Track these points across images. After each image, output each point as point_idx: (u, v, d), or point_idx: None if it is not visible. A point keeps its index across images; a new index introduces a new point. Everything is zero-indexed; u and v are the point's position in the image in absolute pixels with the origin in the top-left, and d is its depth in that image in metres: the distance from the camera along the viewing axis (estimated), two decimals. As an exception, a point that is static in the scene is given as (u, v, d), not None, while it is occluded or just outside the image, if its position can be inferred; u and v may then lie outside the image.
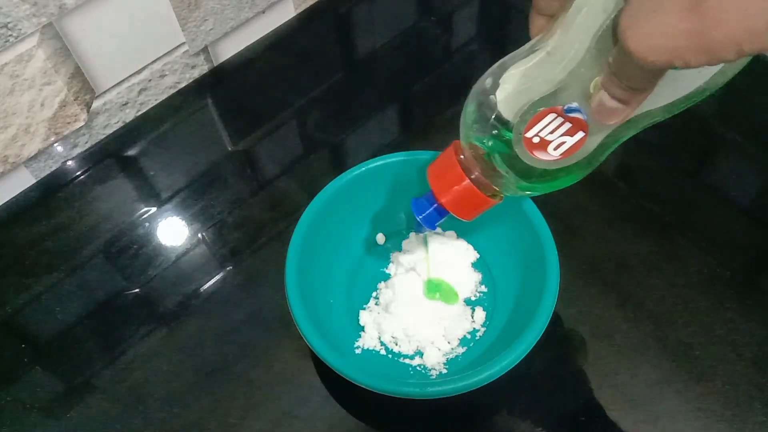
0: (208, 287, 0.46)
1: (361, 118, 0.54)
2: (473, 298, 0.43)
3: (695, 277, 0.44)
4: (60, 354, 0.44)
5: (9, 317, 0.46)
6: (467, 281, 0.43)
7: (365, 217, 0.45)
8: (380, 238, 0.46)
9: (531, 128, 0.29)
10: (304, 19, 0.61)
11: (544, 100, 0.28)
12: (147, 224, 0.49)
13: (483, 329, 0.42)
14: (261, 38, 0.59)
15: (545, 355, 0.41)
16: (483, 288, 0.44)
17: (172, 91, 0.56)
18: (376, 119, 0.54)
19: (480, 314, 0.42)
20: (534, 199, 0.40)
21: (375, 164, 0.43)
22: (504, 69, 0.30)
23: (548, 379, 0.41)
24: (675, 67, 0.23)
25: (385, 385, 0.36)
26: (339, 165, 0.52)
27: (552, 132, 0.29)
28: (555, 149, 0.29)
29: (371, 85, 0.57)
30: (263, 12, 0.58)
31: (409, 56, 0.58)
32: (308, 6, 0.61)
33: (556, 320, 0.37)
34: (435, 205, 0.36)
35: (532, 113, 0.28)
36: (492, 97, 0.30)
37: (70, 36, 0.46)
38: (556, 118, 0.28)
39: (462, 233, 0.45)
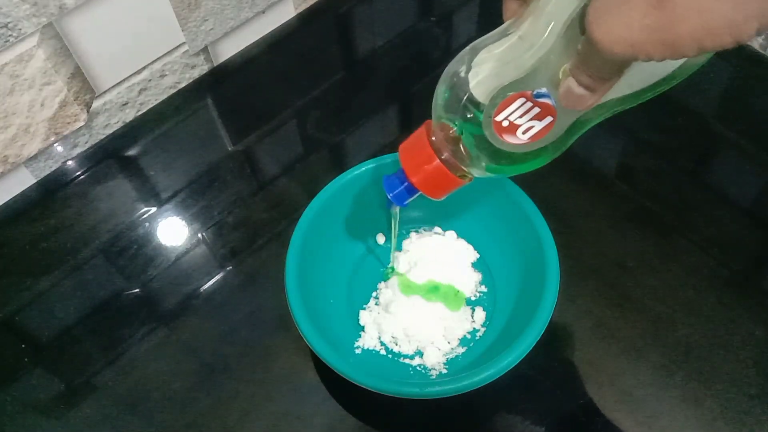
0: (208, 287, 0.46)
1: (361, 118, 0.54)
2: (473, 298, 0.43)
3: (695, 277, 0.44)
4: (60, 354, 0.44)
5: (9, 317, 0.46)
6: (467, 281, 0.43)
7: (365, 217, 0.45)
8: (380, 238, 0.46)
9: (500, 112, 0.29)
10: (304, 19, 0.61)
11: (514, 85, 0.28)
12: (147, 224, 0.49)
13: (483, 329, 0.42)
14: (261, 38, 0.59)
15: (545, 355, 0.41)
16: (483, 288, 0.44)
17: (172, 91, 0.56)
18: (376, 119, 0.54)
19: (480, 314, 0.42)
20: (534, 198, 0.40)
21: (375, 164, 0.43)
22: (476, 51, 0.30)
23: (548, 379, 0.41)
24: (638, 60, 0.23)
25: (385, 385, 0.36)
26: (339, 165, 0.52)
27: (521, 116, 0.29)
28: (523, 133, 0.29)
29: (371, 85, 0.57)
30: (263, 12, 0.58)
31: (409, 56, 0.58)
32: (308, 6, 0.61)
33: (555, 320, 0.37)
34: (405, 184, 0.36)
35: (502, 97, 0.29)
36: (464, 77, 0.30)
37: (70, 36, 0.46)
38: (525, 102, 0.28)
39: (462, 233, 0.45)
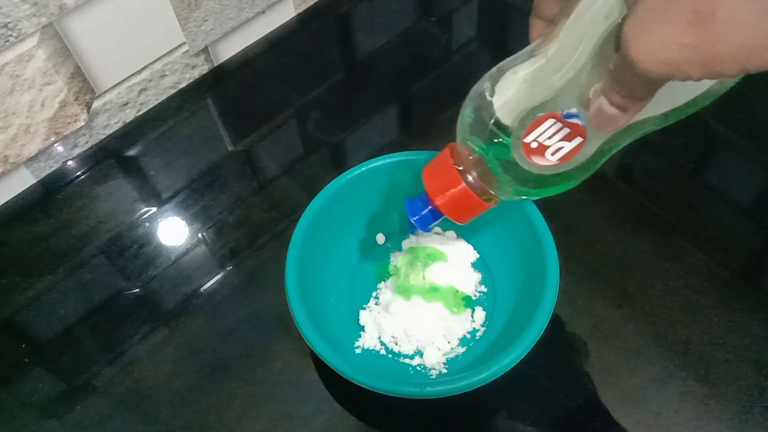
0: (208, 287, 0.46)
1: (361, 118, 0.54)
2: (473, 298, 0.43)
3: (695, 278, 0.44)
4: (60, 354, 0.44)
5: (9, 317, 0.46)
6: (467, 281, 0.43)
7: (365, 217, 0.45)
8: (380, 238, 0.46)
9: (530, 133, 0.29)
10: (304, 19, 0.61)
11: (543, 106, 0.28)
12: (147, 224, 0.49)
13: (483, 329, 0.42)
14: (261, 38, 0.60)
15: (545, 355, 0.41)
16: (483, 288, 0.44)
17: (173, 91, 0.56)
18: (376, 119, 0.54)
19: (480, 314, 0.42)
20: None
21: (374, 164, 0.43)
22: (502, 73, 0.30)
23: (548, 379, 0.41)
24: (675, 79, 0.23)
25: (385, 384, 0.36)
26: (339, 165, 0.52)
27: (550, 137, 0.29)
28: (552, 154, 0.29)
29: (371, 85, 0.57)
30: (263, 12, 0.58)
31: (409, 56, 0.58)
32: (308, 6, 0.61)
33: (555, 320, 0.37)
34: (429, 207, 0.35)
35: (531, 118, 0.28)
36: (490, 100, 0.30)
37: (70, 36, 0.46)
38: (554, 123, 0.28)
39: (462, 233, 0.45)
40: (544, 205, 0.40)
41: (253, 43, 0.59)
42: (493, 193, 0.33)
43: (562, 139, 0.29)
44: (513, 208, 0.41)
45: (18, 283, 0.47)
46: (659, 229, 0.46)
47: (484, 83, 0.31)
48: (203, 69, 0.57)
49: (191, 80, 0.57)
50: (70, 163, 0.53)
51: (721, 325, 0.42)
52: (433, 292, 0.42)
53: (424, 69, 0.57)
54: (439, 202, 0.34)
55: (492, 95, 0.30)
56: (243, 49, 0.59)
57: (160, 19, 0.51)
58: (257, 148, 0.53)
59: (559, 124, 0.28)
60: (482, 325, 0.42)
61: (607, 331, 0.42)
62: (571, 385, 0.41)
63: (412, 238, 0.45)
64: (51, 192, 0.52)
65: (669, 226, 0.46)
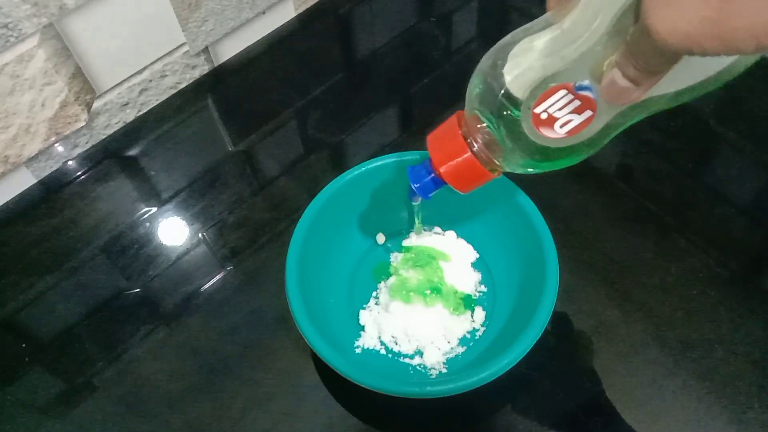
0: (208, 287, 0.46)
1: (361, 118, 0.54)
2: (473, 298, 0.43)
3: (695, 277, 0.44)
4: (60, 354, 0.44)
5: (9, 317, 0.46)
6: (467, 281, 0.43)
7: (365, 217, 0.45)
8: (380, 238, 0.46)
9: (540, 104, 0.28)
10: (305, 20, 0.61)
11: (555, 77, 0.28)
12: (148, 224, 0.50)
13: (483, 329, 0.42)
14: (261, 39, 0.60)
15: (545, 355, 0.41)
16: (483, 288, 0.44)
17: (173, 91, 0.56)
18: (376, 119, 0.54)
19: (480, 314, 0.42)
20: (534, 198, 0.40)
21: (375, 164, 0.43)
22: (515, 42, 0.30)
23: (548, 379, 0.41)
24: (692, 53, 0.22)
25: (385, 384, 0.36)
26: (339, 165, 0.52)
27: (560, 109, 0.28)
28: (561, 127, 0.29)
29: (371, 85, 0.57)
30: (263, 12, 0.58)
31: (409, 56, 0.58)
32: (308, 6, 0.61)
33: (555, 320, 0.37)
34: (432, 175, 0.35)
35: (543, 89, 0.28)
36: (501, 70, 0.29)
37: (70, 36, 0.46)
38: (566, 95, 0.28)
39: (462, 233, 0.45)
40: (544, 205, 0.40)
41: (254, 43, 0.59)
42: (498, 163, 0.33)
43: (571, 112, 0.28)
44: (513, 208, 0.41)
45: (18, 283, 0.47)
46: (659, 229, 0.46)
47: (495, 51, 0.30)
48: (203, 69, 0.57)
49: (191, 80, 0.57)
50: (70, 163, 0.53)
51: (720, 325, 0.42)
52: (432, 292, 0.42)
53: (424, 69, 0.57)
54: (443, 170, 0.33)
55: (503, 64, 0.29)
56: (243, 50, 0.59)
57: (161, 20, 0.51)
58: (257, 148, 0.53)
59: (570, 96, 0.28)
60: (482, 325, 0.42)
61: (606, 331, 0.42)
62: (571, 385, 0.41)
63: (413, 237, 0.45)
64: (51, 192, 0.52)
65: (668, 225, 0.46)
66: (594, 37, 0.27)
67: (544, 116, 0.29)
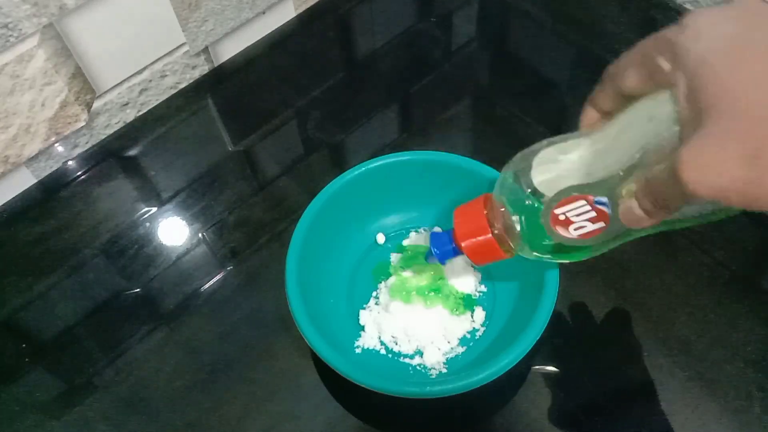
0: (208, 287, 0.46)
1: (361, 118, 0.54)
2: (473, 298, 0.43)
3: (695, 277, 0.44)
4: (60, 354, 0.44)
5: (9, 317, 0.46)
6: (467, 281, 0.43)
7: (365, 217, 0.45)
8: (380, 238, 0.46)
9: (561, 206, 0.31)
10: (305, 20, 0.61)
11: (579, 188, 0.31)
12: (148, 224, 0.50)
13: (482, 329, 0.42)
14: (261, 39, 0.60)
15: (545, 355, 0.41)
16: (483, 288, 0.44)
17: (173, 91, 0.56)
18: (376, 119, 0.54)
19: (480, 314, 0.42)
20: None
21: (375, 164, 0.43)
22: (546, 147, 0.33)
23: (548, 378, 0.41)
24: (717, 202, 0.25)
25: (385, 384, 0.36)
26: (339, 165, 0.52)
27: (577, 215, 0.31)
28: (575, 230, 0.32)
29: (371, 85, 0.57)
30: (263, 12, 0.58)
31: (409, 56, 0.58)
32: (308, 6, 0.61)
33: (555, 320, 0.37)
34: (453, 246, 0.38)
35: (566, 195, 0.31)
36: (530, 171, 0.33)
37: (70, 36, 0.46)
38: (585, 204, 0.31)
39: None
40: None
41: (254, 43, 0.59)
42: (512, 246, 0.35)
43: (587, 220, 0.31)
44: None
45: (18, 283, 0.47)
46: (659, 229, 0.46)
47: (529, 153, 0.33)
48: (203, 69, 0.57)
49: (191, 80, 0.57)
50: (70, 163, 0.53)
51: (720, 325, 0.42)
52: (432, 292, 0.42)
53: (424, 69, 0.57)
54: (464, 245, 0.36)
55: (531, 166, 0.33)
56: (243, 50, 0.59)
57: (161, 20, 0.51)
58: (257, 148, 0.53)
59: (589, 207, 0.31)
60: (482, 325, 0.42)
61: (606, 331, 0.42)
62: (571, 385, 0.41)
63: (413, 237, 0.45)
64: (51, 192, 0.52)
65: (669, 226, 0.46)
66: (619, 165, 0.29)
67: (561, 217, 0.32)
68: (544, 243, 0.34)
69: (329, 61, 0.58)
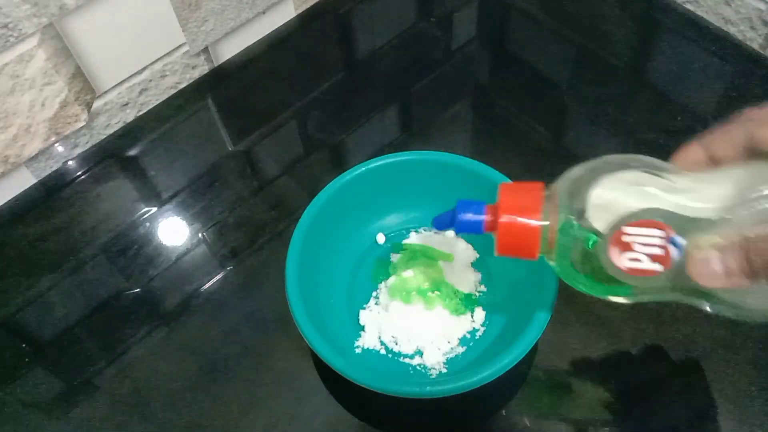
0: (208, 287, 0.46)
1: (361, 118, 0.54)
2: (473, 298, 0.43)
3: (695, 277, 0.44)
4: (60, 354, 0.44)
5: (10, 317, 0.46)
6: (467, 281, 0.43)
7: (365, 217, 0.45)
8: (380, 238, 0.46)
9: (635, 226, 0.27)
10: (305, 20, 0.61)
11: (667, 215, 0.27)
12: (148, 224, 0.50)
13: (482, 329, 0.42)
14: (261, 39, 0.60)
15: (545, 355, 0.41)
16: (483, 288, 0.44)
17: (173, 91, 0.56)
18: (376, 119, 0.54)
19: (480, 314, 0.42)
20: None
21: (375, 164, 0.43)
22: (628, 165, 0.30)
23: (548, 378, 0.41)
24: None
25: (385, 384, 0.36)
26: (339, 165, 0.52)
27: (643, 244, 0.27)
28: (629, 259, 0.28)
29: (371, 85, 0.57)
30: (263, 12, 0.58)
31: (409, 56, 0.58)
32: (308, 6, 0.61)
33: (555, 319, 0.37)
34: (483, 217, 0.32)
35: (647, 216, 0.27)
36: (596, 182, 0.29)
37: (70, 36, 0.47)
38: (658, 237, 0.27)
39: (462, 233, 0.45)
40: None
41: (254, 43, 0.59)
42: (550, 251, 0.31)
43: (647, 255, 0.27)
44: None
45: (18, 283, 0.47)
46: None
47: (604, 164, 0.30)
48: (203, 69, 0.57)
49: (191, 80, 0.57)
50: (70, 163, 0.53)
51: (720, 325, 0.42)
52: (432, 292, 0.42)
53: (424, 69, 0.57)
54: (504, 219, 0.31)
55: (606, 183, 0.29)
56: (243, 50, 0.59)
57: (161, 20, 0.51)
58: (257, 148, 0.53)
59: (661, 240, 0.27)
60: (482, 325, 0.42)
61: (606, 331, 0.42)
62: (571, 385, 0.41)
63: (413, 237, 0.45)
64: (51, 192, 0.52)
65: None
66: (718, 214, 0.26)
67: (627, 238, 0.28)
68: (582, 263, 0.30)
69: (329, 61, 0.59)
